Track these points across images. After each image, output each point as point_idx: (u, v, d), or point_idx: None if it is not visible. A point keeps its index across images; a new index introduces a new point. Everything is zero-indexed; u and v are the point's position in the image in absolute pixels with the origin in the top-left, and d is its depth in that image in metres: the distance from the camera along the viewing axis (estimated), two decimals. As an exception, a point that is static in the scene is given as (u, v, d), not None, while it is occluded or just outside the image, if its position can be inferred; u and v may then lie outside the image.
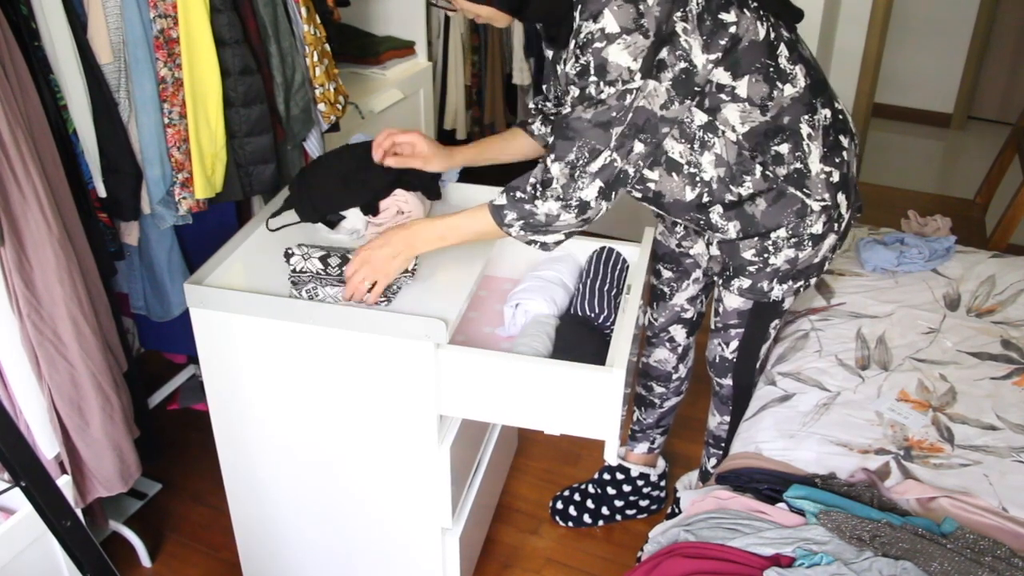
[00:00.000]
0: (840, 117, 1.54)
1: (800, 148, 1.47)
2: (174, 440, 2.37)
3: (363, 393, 1.53)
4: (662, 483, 2.17)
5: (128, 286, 1.99)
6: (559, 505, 2.15)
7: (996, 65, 4.71)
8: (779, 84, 1.43)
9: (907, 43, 4.62)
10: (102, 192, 1.74)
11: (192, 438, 2.38)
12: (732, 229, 1.54)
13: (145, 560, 2.02)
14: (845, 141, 1.53)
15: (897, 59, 4.60)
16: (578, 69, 1.34)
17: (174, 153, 1.79)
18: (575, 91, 1.36)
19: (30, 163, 1.45)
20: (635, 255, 1.81)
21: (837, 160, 1.51)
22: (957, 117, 4.81)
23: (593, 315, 1.65)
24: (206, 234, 1.96)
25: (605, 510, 2.13)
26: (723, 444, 1.91)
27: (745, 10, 1.38)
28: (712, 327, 1.77)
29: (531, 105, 1.79)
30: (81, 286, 1.59)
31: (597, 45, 1.30)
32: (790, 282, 1.61)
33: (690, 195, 1.51)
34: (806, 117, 1.47)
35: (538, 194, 1.41)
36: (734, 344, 1.74)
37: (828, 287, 1.99)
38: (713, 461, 1.97)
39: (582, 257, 1.86)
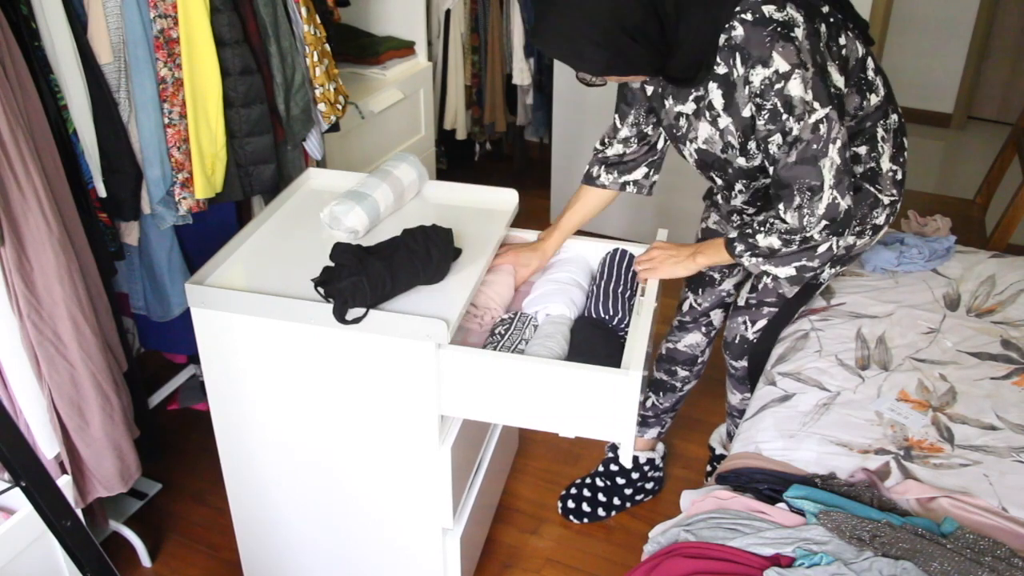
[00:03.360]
0: (902, 121, 1.69)
1: (875, 149, 1.64)
2: (174, 440, 2.37)
3: (364, 393, 1.53)
4: (663, 463, 2.22)
5: (128, 286, 1.99)
6: (570, 504, 2.15)
7: (996, 65, 4.70)
8: (867, 95, 1.58)
9: (907, 43, 4.61)
10: (102, 192, 1.74)
11: (192, 438, 2.38)
12: None
13: (145, 560, 2.02)
14: (906, 143, 1.70)
15: (897, 59, 4.59)
16: (767, 116, 1.42)
17: (174, 153, 1.79)
18: (777, 138, 1.43)
19: (30, 163, 1.45)
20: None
21: (900, 160, 1.68)
22: (957, 117, 4.81)
23: (607, 317, 1.65)
24: (206, 234, 1.96)
25: (617, 500, 2.15)
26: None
27: (848, 32, 1.51)
28: (743, 304, 1.84)
29: (595, 160, 1.80)
30: (81, 286, 1.59)
31: (777, 86, 1.38)
32: (838, 266, 1.76)
33: None
34: (882, 122, 1.63)
35: (763, 229, 1.53)
36: (760, 323, 1.83)
37: (828, 287, 1.99)
38: None
39: (594, 259, 1.86)
